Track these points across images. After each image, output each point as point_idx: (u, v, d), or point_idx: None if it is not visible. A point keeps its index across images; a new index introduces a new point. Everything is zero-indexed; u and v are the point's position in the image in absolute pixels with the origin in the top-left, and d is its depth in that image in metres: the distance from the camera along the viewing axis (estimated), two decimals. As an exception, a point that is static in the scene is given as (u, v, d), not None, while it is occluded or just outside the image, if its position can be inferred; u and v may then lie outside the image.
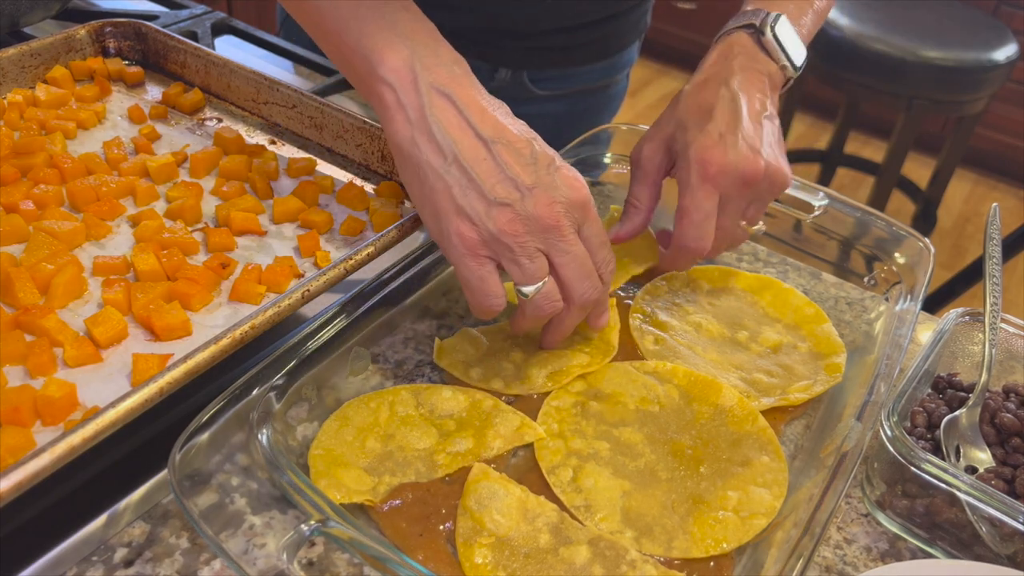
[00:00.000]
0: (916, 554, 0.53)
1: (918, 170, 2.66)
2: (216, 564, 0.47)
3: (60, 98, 0.76)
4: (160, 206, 0.67)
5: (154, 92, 0.82)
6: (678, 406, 0.58)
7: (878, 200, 2.32)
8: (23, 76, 0.78)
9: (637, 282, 0.69)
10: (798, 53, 0.66)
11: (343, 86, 0.91)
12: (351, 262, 0.58)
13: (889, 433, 0.52)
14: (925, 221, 2.45)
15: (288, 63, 0.98)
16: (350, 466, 0.51)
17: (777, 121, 0.64)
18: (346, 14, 0.54)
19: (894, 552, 0.53)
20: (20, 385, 0.50)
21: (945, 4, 2.26)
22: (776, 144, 0.63)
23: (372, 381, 0.58)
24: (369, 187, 0.72)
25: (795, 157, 2.66)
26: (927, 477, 0.50)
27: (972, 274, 1.64)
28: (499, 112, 0.53)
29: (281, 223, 0.67)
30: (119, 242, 0.63)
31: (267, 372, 0.50)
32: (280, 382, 0.50)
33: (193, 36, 0.94)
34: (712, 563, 0.49)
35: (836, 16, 2.13)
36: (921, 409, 0.59)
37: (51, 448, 0.43)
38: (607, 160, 0.78)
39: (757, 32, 0.65)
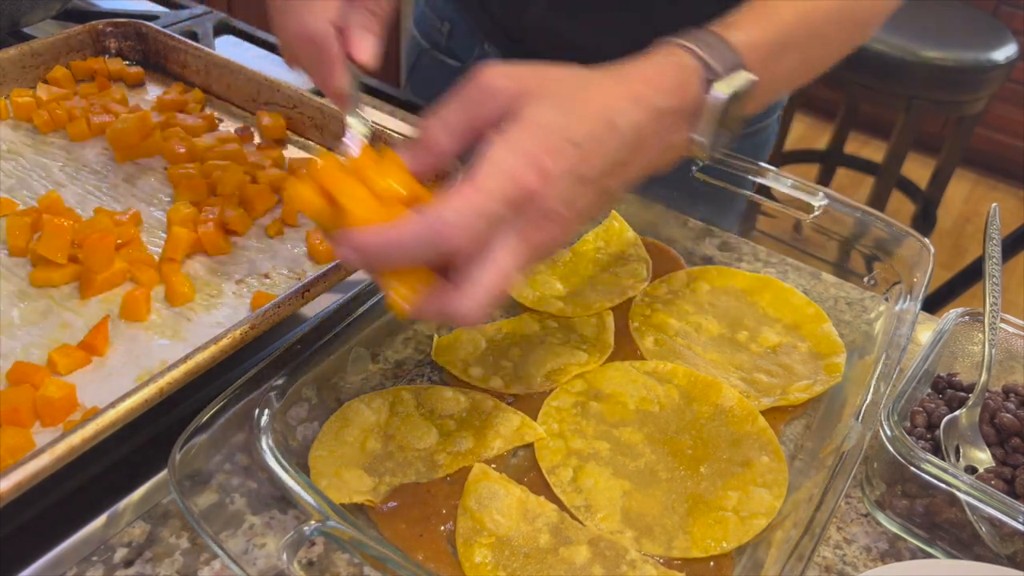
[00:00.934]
0: (916, 554, 0.53)
1: (918, 170, 2.65)
2: (216, 564, 0.47)
3: (62, 97, 0.76)
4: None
5: (154, 92, 0.82)
6: (678, 406, 0.58)
7: (878, 200, 2.31)
8: (23, 76, 0.78)
9: None
10: (727, 135, 0.50)
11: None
12: (351, 262, 0.58)
13: (889, 433, 0.52)
14: (925, 221, 2.45)
15: (288, 63, 0.98)
16: (350, 466, 0.51)
17: (604, 205, 0.47)
18: None
19: (894, 552, 0.53)
20: (20, 386, 0.50)
21: (945, 4, 2.26)
22: (583, 208, 0.44)
23: (372, 381, 0.58)
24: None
25: (795, 157, 2.67)
26: (927, 477, 0.50)
27: (972, 274, 1.63)
28: None
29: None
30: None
31: (267, 372, 0.50)
32: (280, 382, 0.50)
33: (193, 36, 0.94)
34: (712, 563, 0.49)
35: (836, 16, 2.13)
36: (921, 409, 0.59)
37: (51, 448, 0.43)
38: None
39: (708, 83, 0.48)
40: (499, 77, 0.44)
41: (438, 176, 0.49)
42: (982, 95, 2.14)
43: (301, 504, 0.45)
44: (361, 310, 0.56)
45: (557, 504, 0.51)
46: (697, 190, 0.73)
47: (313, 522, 0.44)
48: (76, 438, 0.43)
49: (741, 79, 0.48)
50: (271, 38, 1.00)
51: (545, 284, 0.67)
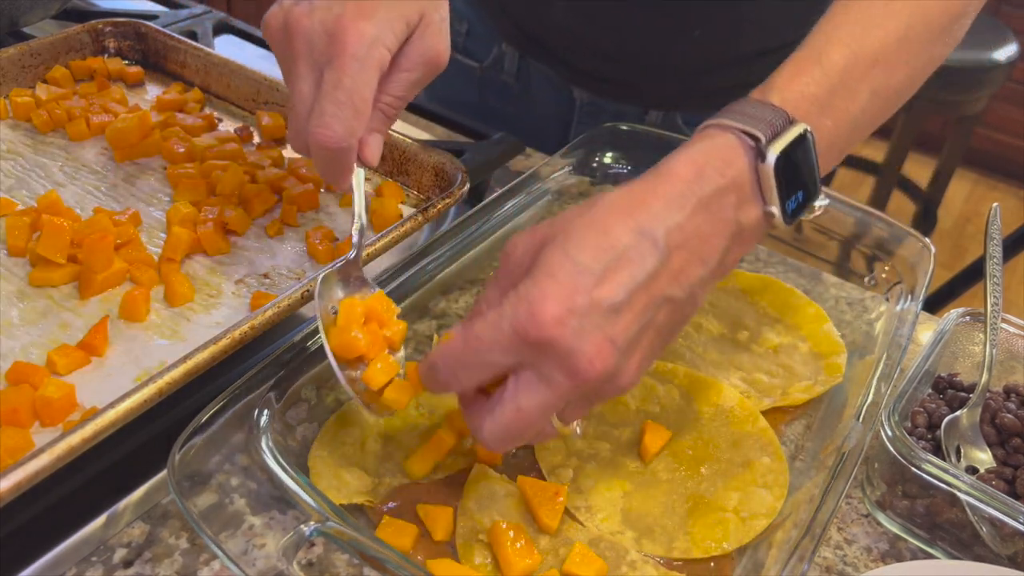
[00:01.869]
0: (916, 554, 0.53)
1: (918, 170, 2.65)
2: (215, 564, 0.47)
3: (62, 97, 0.76)
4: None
5: (154, 92, 0.82)
6: (678, 406, 0.58)
7: (878, 200, 2.32)
8: (23, 76, 0.78)
9: None
10: (805, 193, 0.47)
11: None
12: (351, 262, 0.58)
13: (889, 433, 0.52)
14: (925, 221, 2.45)
15: (288, 63, 0.97)
16: (350, 467, 0.51)
17: (689, 312, 0.45)
18: None
19: (894, 552, 0.53)
20: (19, 386, 0.50)
21: (945, 4, 2.26)
22: (647, 348, 0.43)
23: (372, 381, 0.58)
24: (369, 187, 0.72)
25: (795, 157, 2.66)
26: (927, 477, 0.50)
27: (972, 274, 1.63)
28: None
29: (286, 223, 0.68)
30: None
31: (267, 372, 0.50)
32: (280, 382, 0.50)
33: (193, 36, 0.94)
34: (712, 564, 0.49)
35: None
36: (921, 409, 0.58)
37: (50, 448, 0.42)
38: (607, 160, 0.78)
39: (756, 150, 0.44)
40: (519, 240, 0.44)
41: None
42: (983, 95, 2.15)
43: (301, 505, 0.44)
44: (361, 310, 0.56)
45: (557, 504, 0.51)
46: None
47: (313, 523, 0.43)
48: (75, 438, 0.43)
49: (793, 134, 0.45)
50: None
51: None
